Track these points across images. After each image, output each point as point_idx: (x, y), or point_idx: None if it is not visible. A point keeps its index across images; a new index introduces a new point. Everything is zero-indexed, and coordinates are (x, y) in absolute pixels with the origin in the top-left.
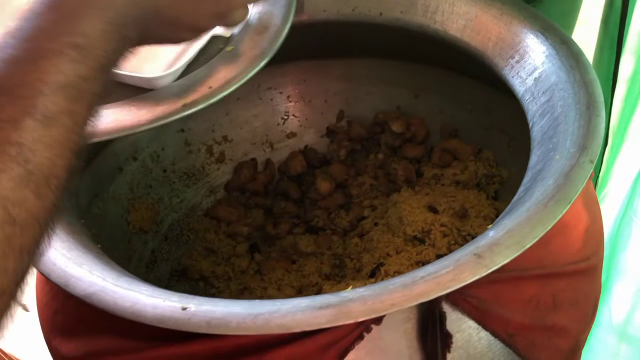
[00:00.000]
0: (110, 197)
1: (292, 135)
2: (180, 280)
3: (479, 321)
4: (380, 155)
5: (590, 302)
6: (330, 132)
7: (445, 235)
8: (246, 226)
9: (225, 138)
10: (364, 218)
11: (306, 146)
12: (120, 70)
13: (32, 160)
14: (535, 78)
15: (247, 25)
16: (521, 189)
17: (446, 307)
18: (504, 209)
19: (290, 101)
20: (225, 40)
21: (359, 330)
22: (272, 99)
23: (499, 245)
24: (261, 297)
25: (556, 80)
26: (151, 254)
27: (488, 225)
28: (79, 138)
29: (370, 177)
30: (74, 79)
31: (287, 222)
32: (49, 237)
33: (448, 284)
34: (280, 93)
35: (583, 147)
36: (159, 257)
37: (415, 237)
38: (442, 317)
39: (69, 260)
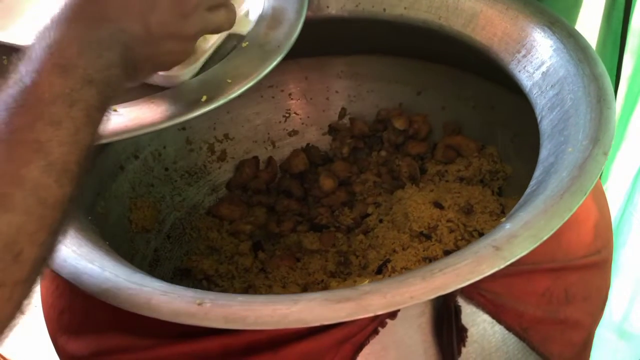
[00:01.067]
0: (112, 195)
1: (293, 133)
2: (183, 279)
3: (493, 315)
4: (383, 153)
5: (601, 296)
6: (332, 130)
7: (451, 231)
8: (249, 224)
9: (226, 136)
10: (367, 215)
11: (308, 144)
12: None
13: (50, 154)
14: (543, 72)
15: (261, 21)
16: (533, 182)
17: (461, 301)
18: (509, 204)
19: (291, 99)
20: (240, 38)
21: (373, 325)
22: (273, 97)
23: (517, 237)
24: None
25: (565, 74)
26: (154, 253)
27: (494, 220)
28: (85, 137)
29: (374, 175)
30: (65, 90)
31: (290, 220)
32: (65, 230)
33: (467, 276)
34: (282, 91)
35: (595, 139)
36: (162, 256)
37: (421, 233)
38: (458, 311)
39: (80, 257)
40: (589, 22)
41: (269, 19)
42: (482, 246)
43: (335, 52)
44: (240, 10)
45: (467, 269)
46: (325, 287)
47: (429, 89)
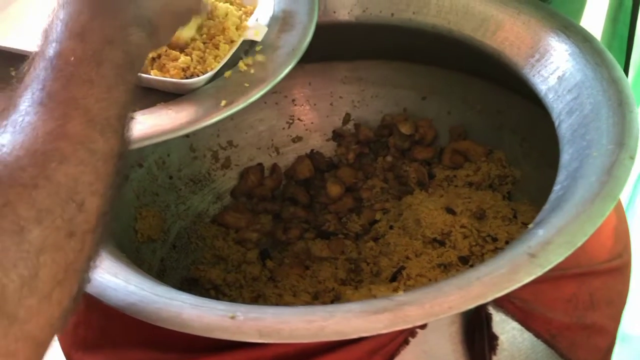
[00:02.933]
0: (117, 205)
1: (297, 139)
2: (191, 289)
3: (522, 322)
4: (389, 158)
5: (623, 300)
6: (336, 136)
7: (465, 237)
8: (255, 232)
9: (230, 143)
10: (375, 222)
11: (312, 150)
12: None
13: (89, 110)
14: (559, 76)
15: (272, 26)
16: (557, 187)
17: (491, 309)
18: (521, 209)
19: (295, 105)
20: (251, 43)
21: (404, 335)
22: (277, 103)
23: (551, 244)
24: (277, 304)
25: (582, 78)
26: (160, 263)
27: (507, 225)
28: (120, 95)
29: (380, 180)
30: (88, 53)
31: (297, 228)
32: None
33: (505, 285)
34: (285, 97)
35: (621, 143)
36: (168, 266)
37: (434, 240)
38: (489, 319)
39: (103, 270)
40: (592, 27)
41: (280, 23)
42: (516, 254)
43: (338, 58)
44: (253, 18)
45: (504, 278)
46: (337, 295)
47: (434, 93)
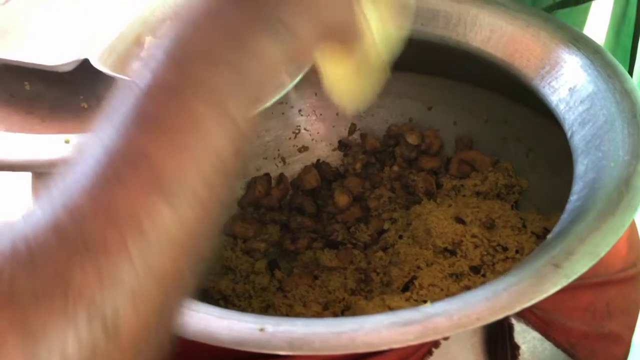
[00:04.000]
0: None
1: (303, 149)
2: (201, 299)
3: (543, 331)
4: (396, 168)
5: (637, 309)
6: (342, 146)
7: (476, 246)
8: (263, 242)
9: None
10: (384, 231)
11: (318, 160)
12: None
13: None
14: (570, 88)
15: None
16: (574, 197)
17: (513, 319)
18: (529, 218)
19: (301, 115)
20: None
21: (428, 346)
22: (283, 113)
23: (575, 254)
24: (287, 315)
25: (595, 90)
26: None
27: (517, 235)
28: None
29: (387, 190)
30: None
31: (305, 237)
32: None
33: (532, 296)
34: (292, 107)
35: (637, 154)
36: None
37: (445, 249)
38: (511, 329)
39: None
40: (594, 39)
41: None
42: (541, 264)
43: None
44: None
45: (530, 288)
46: (347, 305)
47: (440, 104)
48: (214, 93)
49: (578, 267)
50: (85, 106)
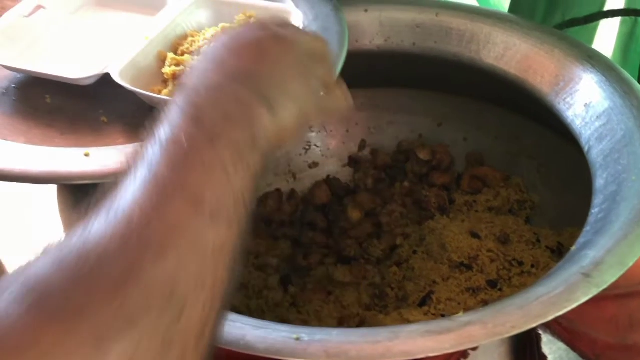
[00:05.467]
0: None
1: (314, 165)
2: None
3: (568, 342)
4: (407, 184)
5: None
6: (352, 161)
7: (492, 261)
8: (275, 258)
9: None
10: (396, 247)
11: (328, 176)
12: None
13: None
14: (586, 104)
15: None
16: (596, 209)
17: (540, 330)
18: (542, 233)
19: (312, 131)
20: None
21: (456, 356)
22: None
23: (604, 264)
24: None
25: (611, 105)
26: None
27: (531, 250)
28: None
29: (399, 206)
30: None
31: (317, 253)
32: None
33: (564, 305)
34: None
35: None
36: None
37: (461, 264)
38: (538, 339)
39: None
40: None
41: None
42: (571, 274)
43: (355, 85)
44: None
45: (562, 298)
46: (362, 321)
47: (449, 120)
48: (233, 144)
49: (607, 276)
50: (105, 120)
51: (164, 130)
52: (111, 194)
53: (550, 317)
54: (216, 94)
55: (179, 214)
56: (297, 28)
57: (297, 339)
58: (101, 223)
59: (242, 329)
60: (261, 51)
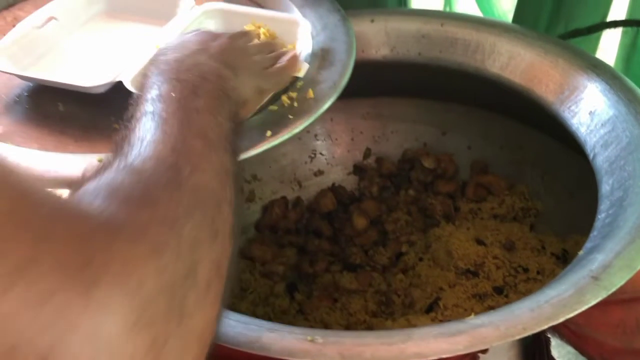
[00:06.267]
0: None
1: (319, 173)
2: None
3: (576, 346)
4: (412, 192)
5: None
6: (357, 170)
7: (498, 268)
8: (281, 265)
9: (254, 177)
10: (402, 254)
11: (334, 184)
12: None
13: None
14: (591, 111)
15: (313, 63)
16: (602, 215)
17: (549, 333)
18: (547, 240)
19: (317, 140)
20: (293, 79)
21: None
22: (300, 138)
23: (612, 267)
24: None
25: (616, 113)
26: None
27: (536, 256)
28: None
29: (404, 213)
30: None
31: (323, 260)
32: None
33: (574, 307)
34: (308, 132)
35: None
36: None
37: (468, 270)
38: (547, 343)
39: None
40: None
41: (319, 60)
42: (580, 277)
43: (360, 95)
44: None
45: (572, 300)
46: (369, 327)
47: (454, 129)
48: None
49: (616, 279)
50: (117, 127)
51: (152, 93)
52: (130, 136)
53: (561, 319)
54: (188, 61)
55: (195, 144)
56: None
57: (312, 340)
58: (138, 152)
59: (257, 331)
60: (210, 39)
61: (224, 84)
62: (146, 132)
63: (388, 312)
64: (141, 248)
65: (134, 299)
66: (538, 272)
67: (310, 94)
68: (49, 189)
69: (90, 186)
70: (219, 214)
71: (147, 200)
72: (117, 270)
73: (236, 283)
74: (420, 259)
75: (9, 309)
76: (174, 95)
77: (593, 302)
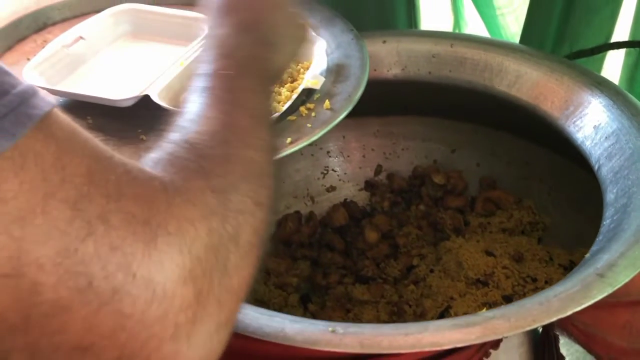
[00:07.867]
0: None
1: (331, 189)
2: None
3: (584, 345)
4: (422, 207)
5: None
6: (368, 186)
7: (507, 277)
8: (295, 277)
9: None
10: (413, 267)
11: (346, 199)
12: None
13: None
14: (595, 125)
15: (328, 77)
16: (607, 221)
17: (557, 331)
18: (554, 252)
19: (330, 156)
20: (310, 92)
21: (478, 356)
22: (312, 154)
23: (617, 266)
24: None
25: (619, 126)
26: None
27: (545, 267)
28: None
29: (415, 228)
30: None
31: (336, 273)
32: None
33: (581, 301)
34: (321, 149)
35: None
36: None
37: (478, 280)
38: (556, 340)
39: None
40: None
41: (334, 75)
42: (586, 275)
43: (371, 113)
44: (311, 71)
45: (579, 295)
46: None
47: (463, 146)
48: (258, 75)
49: (621, 277)
50: (144, 138)
51: (207, 67)
52: (183, 110)
53: (569, 312)
54: (236, 41)
55: (243, 121)
56: None
57: (333, 331)
58: (190, 126)
59: (281, 322)
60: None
61: (266, 64)
62: (201, 108)
63: (400, 322)
64: (194, 212)
65: (186, 255)
66: (546, 282)
67: (327, 105)
68: (118, 155)
69: (154, 155)
70: (261, 186)
71: (201, 171)
72: (173, 229)
73: (250, 294)
74: (431, 271)
75: (91, 249)
76: (225, 74)
77: (599, 297)
